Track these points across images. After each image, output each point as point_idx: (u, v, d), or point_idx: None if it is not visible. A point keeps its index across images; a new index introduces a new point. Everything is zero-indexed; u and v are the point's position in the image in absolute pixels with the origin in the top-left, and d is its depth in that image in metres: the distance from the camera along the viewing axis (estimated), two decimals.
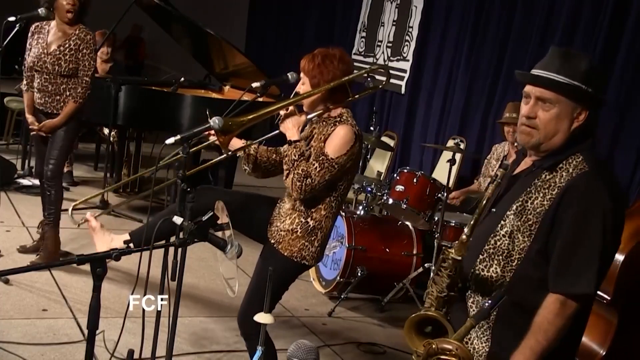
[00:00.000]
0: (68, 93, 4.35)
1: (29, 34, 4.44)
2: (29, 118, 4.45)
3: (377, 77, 7.48)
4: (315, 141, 2.82)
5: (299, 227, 2.82)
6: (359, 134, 2.80)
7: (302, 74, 2.90)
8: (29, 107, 4.47)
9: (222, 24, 8.67)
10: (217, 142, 2.81)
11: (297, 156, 2.74)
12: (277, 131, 2.96)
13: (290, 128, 2.83)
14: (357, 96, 2.94)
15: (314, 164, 2.72)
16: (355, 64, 8.05)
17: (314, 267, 4.11)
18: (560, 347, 1.95)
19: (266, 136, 3.08)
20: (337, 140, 2.75)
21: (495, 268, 2.05)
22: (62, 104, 4.36)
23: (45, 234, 4.43)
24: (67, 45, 4.31)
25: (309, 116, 2.90)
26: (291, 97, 2.90)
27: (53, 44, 4.33)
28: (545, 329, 1.92)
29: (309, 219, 2.82)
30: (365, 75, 3.15)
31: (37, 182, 6.10)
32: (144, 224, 3.26)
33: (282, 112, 2.85)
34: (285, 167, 2.78)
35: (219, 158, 3.35)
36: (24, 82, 4.50)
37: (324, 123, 2.86)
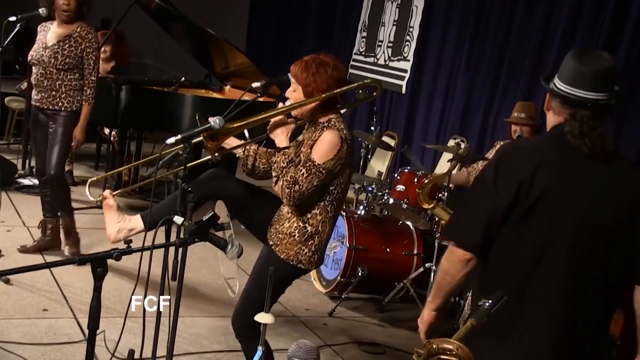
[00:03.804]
0: (64, 89, 4.35)
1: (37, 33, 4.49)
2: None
3: (379, 77, 7.49)
4: (305, 147, 2.82)
5: (296, 231, 2.82)
6: (346, 138, 2.78)
7: (293, 80, 2.86)
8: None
9: (222, 24, 8.66)
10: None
11: (285, 163, 2.75)
12: (265, 136, 2.95)
13: (279, 135, 2.83)
14: (345, 107, 2.93)
15: (301, 170, 2.71)
16: (356, 63, 8.07)
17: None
18: None
19: (254, 139, 3.03)
20: (323, 146, 2.74)
21: None
22: (57, 100, 4.35)
23: (62, 227, 4.49)
24: (67, 41, 4.33)
25: (298, 123, 2.90)
26: (285, 104, 2.88)
27: (52, 40, 4.35)
28: (439, 269, 2.21)
29: (306, 224, 2.82)
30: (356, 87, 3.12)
31: (38, 181, 6.12)
32: (162, 202, 3.23)
33: (271, 119, 2.85)
34: (274, 173, 2.79)
35: (205, 159, 3.32)
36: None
37: (313, 129, 2.86)
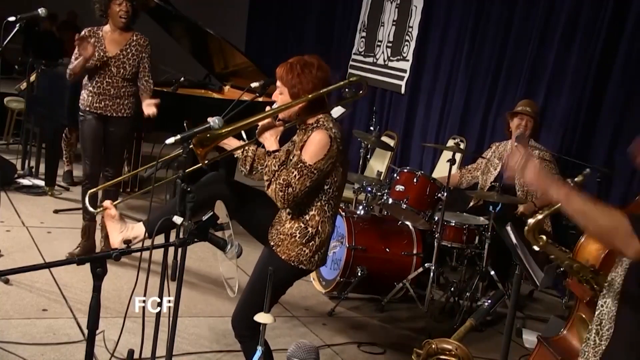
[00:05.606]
0: (126, 96, 4.53)
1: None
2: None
3: (379, 77, 7.49)
4: (297, 149, 2.84)
5: (298, 232, 2.82)
6: (335, 137, 2.79)
7: (278, 83, 2.88)
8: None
9: (222, 24, 8.66)
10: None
11: (277, 166, 2.76)
12: (254, 140, 2.94)
13: (268, 138, 2.84)
14: (334, 106, 2.94)
15: (293, 172, 2.73)
16: (356, 63, 8.08)
17: None
18: None
19: (252, 141, 3.03)
20: (313, 147, 2.76)
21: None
22: (121, 107, 4.53)
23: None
24: (128, 50, 4.49)
25: (286, 125, 2.90)
26: (272, 107, 2.88)
27: (114, 49, 4.47)
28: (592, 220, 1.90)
29: (307, 225, 2.82)
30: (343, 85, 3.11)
31: (37, 182, 6.12)
32: (164, 207, 3.23)
33: (259, 123, 2.85)
34: (265, 177, 2.80)
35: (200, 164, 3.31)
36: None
37: (303, 131, 2.88)
